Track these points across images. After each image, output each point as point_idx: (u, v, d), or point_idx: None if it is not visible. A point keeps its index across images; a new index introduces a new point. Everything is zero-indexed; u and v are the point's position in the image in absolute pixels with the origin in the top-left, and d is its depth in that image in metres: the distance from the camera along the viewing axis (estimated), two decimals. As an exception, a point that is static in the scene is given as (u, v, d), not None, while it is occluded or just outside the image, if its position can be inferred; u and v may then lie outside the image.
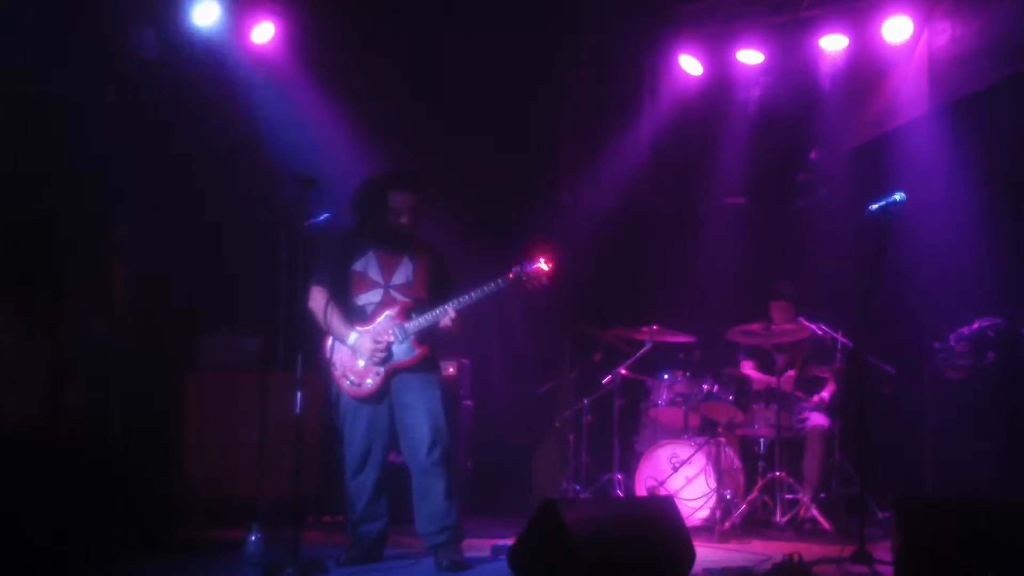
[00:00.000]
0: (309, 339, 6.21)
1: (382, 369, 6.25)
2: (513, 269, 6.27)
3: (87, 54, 7.73)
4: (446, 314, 6.21)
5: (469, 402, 8.71)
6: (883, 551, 5.91)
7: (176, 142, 8.41)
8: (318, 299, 6.31)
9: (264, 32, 8.71)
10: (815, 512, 7.56)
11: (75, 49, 7.67)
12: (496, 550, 6.47)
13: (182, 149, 8.43)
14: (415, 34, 8.99)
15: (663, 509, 5.66)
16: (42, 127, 7.64)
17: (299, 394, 5.93)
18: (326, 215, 6.08)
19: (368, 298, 6.33)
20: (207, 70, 8.40)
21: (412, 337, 6.28)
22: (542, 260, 6.27)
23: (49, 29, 7.55)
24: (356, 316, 6.32)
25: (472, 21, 8.88)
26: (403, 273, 6.37)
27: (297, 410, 5.95)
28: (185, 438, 8.17)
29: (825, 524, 7.46)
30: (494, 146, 9.45)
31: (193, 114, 8.37)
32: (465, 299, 6.23)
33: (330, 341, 6.38)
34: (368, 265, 6.36)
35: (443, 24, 8.93)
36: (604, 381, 8.52)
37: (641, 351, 8.47)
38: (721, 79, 9.40)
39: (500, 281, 6.24)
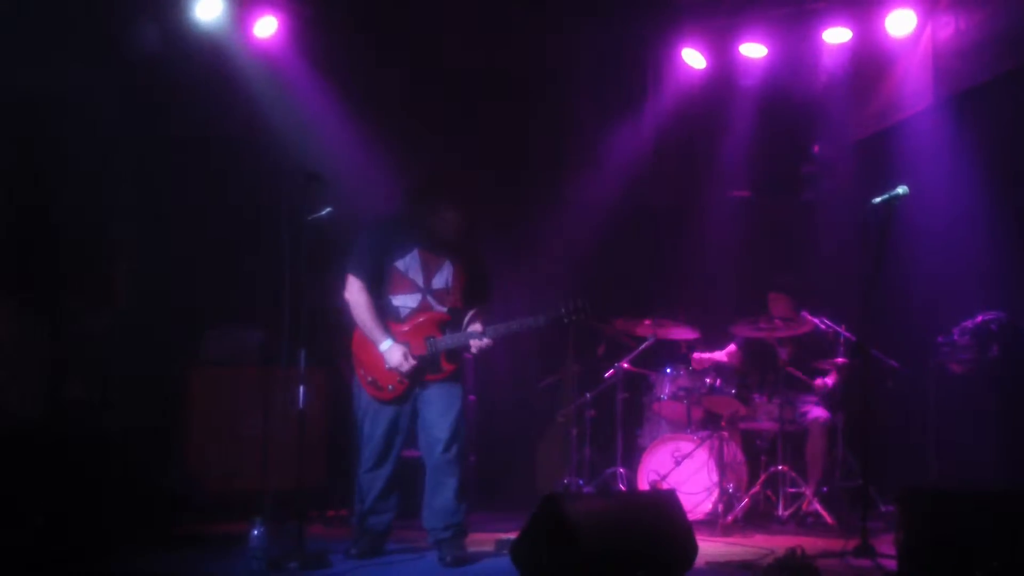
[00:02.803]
0: (312, 334, 6.20)
1: (406, 379, 6.25)
2: (559, 308, 6.21)
3: (88, 50, 7.73)
4: (480, 340, 6.21)
5: (472, 397, 8.70)
6: (886, 544, 5.91)
7: (178, 137, 8.41)
8: (356, 292, 6.28)
9: (266, 26, 8.70)
10: (817, 506, 7.55)
11: (76, 45, 7.68)
12: (500, 544, 6.48)
13: (184, 144, 8.43)
14: (417, 29, 8.97)
15: (666, 503, 5.66)
16: (44, 123, 7.64)
17: (301, 389, 5.95)
18: (329, 209, 6.08)
19: (404, 300, 6.31)
20: (209, 65, 8.39)
21: (442, 353, 6.28)
22: (580, 300, 6.22)
23: (50, 25, 7.55)
24: (389, 315, 6.30)
25: (474, 14, 8.86)
26: (443, 277, 6.34)
27: (300, 405, 5.97)
28: (189, 433, 8.18)
29: (828, 518, 7.45)
30: (497, 139, 9.44)
31: (195, 109, 8.36)
32: (503, 328, 6.23)
33: (357, 335, 6.36)
34: (410, 265, 6.31)
35: (445, 18, 8.91)
36: (607, 375, 8.52)
37: (644, 345, 8.46)
38: (724, 72, 9.39)
39: (542, 318, 6.22)
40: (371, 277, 6.31)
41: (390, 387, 6.26)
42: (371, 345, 6.27)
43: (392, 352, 6.20)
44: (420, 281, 6.31)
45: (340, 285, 6.34)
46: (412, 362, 6.19)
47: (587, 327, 8.95)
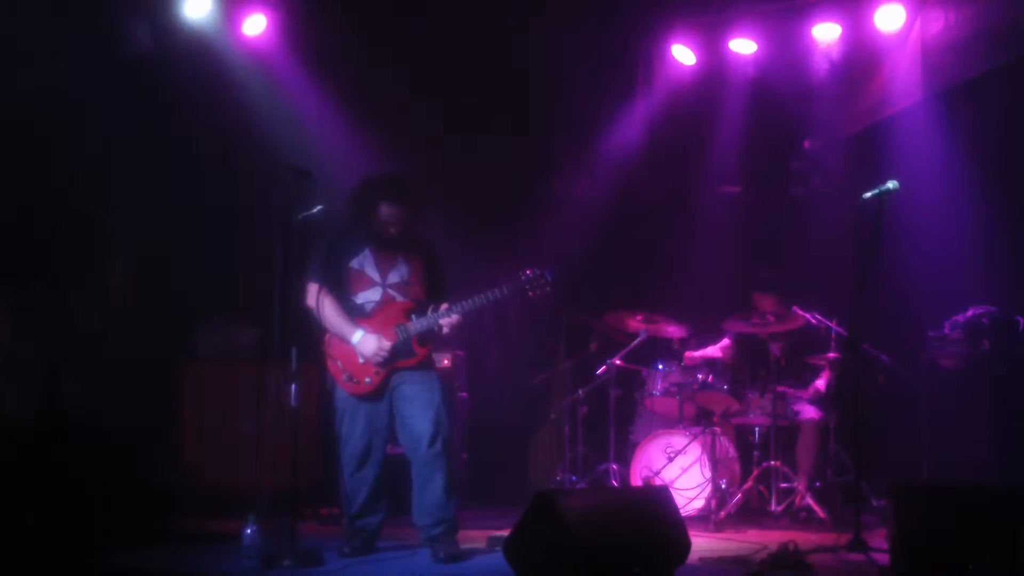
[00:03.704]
0: (305, 331, 6.21)
1: (382, 369, 6.25)
2: (519, 276, 6.26)
3: (82, 47, 7.72)
4: (448, 317, 6.22)
5: (464, 394, 8.71)
6: (879, 539, 5.92)
7: (170, 134, 8.41)
8: (316, 296, 6.27)
9: (256, 24, 8.68)
10: (810, 501, 7.57)
11: (70, 42, 7.66)
12: (492, 541, 6.48)
13: (176, 141, 8.43)
14: (409, 25, 8.96)
15: (658, 499, 5.67)
16: (38, 120, 7.63)
17: (294, 386, 5.95)
18: (320, 206, 6.08)
19: (367, 296, 6.33)
20: (199, 63, 8.39)
21: (413, 338, 6.28)
22: (542, 269, 6.27)
23: (44, 23, 7.54)
24: (355, 313, 6.31)
25: (466, 11, 8.85)
26: (399, 272, 6.37)
27: (293, 402, 5.97)
28: (182, 430, 8.17)
29: (820, 513, 7.47)
30: (488, 136, 9.44)
31: (187, 107, 8.36)
32: (469, 304, 6.23)
33: (328, 337, 6.37)
34: (364, 262, 6.35)
35: (436, 15, 8.90)
36: (599, 372, 8.52)
37: (636, 341, 8.47)
38: (714, 68, 9.40)
39: (504, 288, 6.24)
40: (329, 281, 6.33)
41: (367, 380, 6.27)
42: (342, 342, 6.29)
43: (365, 342, 6.22)
44: (377, 277, 6.34)
45: (301, 295, 6.33)
46: (387, 347, 6.20)
47: (579, 322, 8.97)
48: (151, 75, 8.21)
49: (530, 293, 6.29)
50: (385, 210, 6.29)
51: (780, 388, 7.86)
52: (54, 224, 7.80)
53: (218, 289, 8.50)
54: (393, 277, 6.36)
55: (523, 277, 6.27)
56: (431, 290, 6.44)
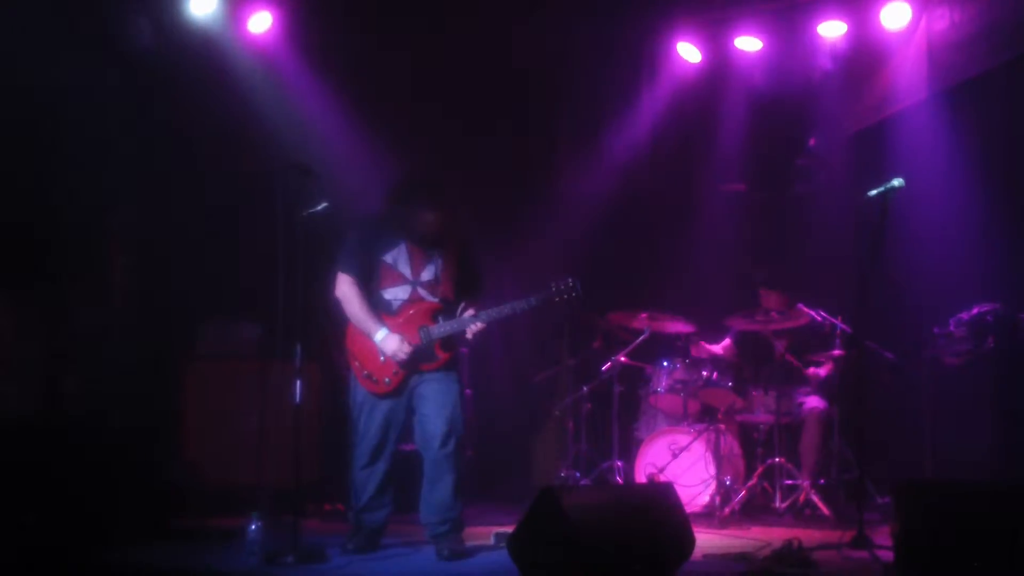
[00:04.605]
0: (308, 328, 6.20)
1: (402, 369, 6.24)
2: (549, 287, 6.23)
3: (85, 44, 7.72)
4: (473, 325, 6.21)
5: (468, 391, 8.69)
6: (882, 536, 5.91)
7: (174, 131, 8.40)
8: (346, 288, 6.28)
9: (261, 21, 8.69)
10: (814, 498, 7.56)
11: (73, 39, 7.67)
12: (498, 537, 6.48)
13: (180, 138, 8.43)
14: (414, 23, 8.96)
15: (663, 495, 5.66)
16: (41, 116, 7.63)
17: (298, 383, 5.95)
18: (324, 204, 6.07)
19: (395, 293, 6.30)
20: (204, 61, 8.39)
21: (436, 342, 6.27)
22: (571, 279, 6.24)
23: (47, 19, 7.54)
24: (381, 308, 6.29)
25: (472, 10, 8.85)
26: (431, 269, 6.33)
27: (296, 399, 5.97)
28: (185, 427, 8.16)
29: (824, 510, 7.47)
30: (492, 134, 9.43)
31: (191, 103, 8.36)
32: (496, 312, 6.21)
33: (349, 332, 6.36)
34: (398, 257, 6.30)
35: (442, 12, 8.90)
36: (603, 369, 8.52)
37: (640, 338, 8.47)
38: (720, 66, 9.40)
39: (533, 299, 6.21)
40: (361, 273, 6.31)
41: (386, 380, 6.26)
42: (365, 338, 6.27)
43: (388, 341, 6.19)
44: (408, 274, 6.30)
45: (331, 283, 6.33)
46: (409, 348, 6.19)
47: (582, 320, 8.96)
48: (153, 74, 8.21)
49: (559, 304, 6.26)
50: (425, 215, 6.24)
51: (784, 384, 7.85)
52: (54, 224, 7.79)
53: (219, 287, 8.50)
54: (426, 274, 6.32)
55: (553, 289, 6.21)
56: (462, 288, 6.40)
